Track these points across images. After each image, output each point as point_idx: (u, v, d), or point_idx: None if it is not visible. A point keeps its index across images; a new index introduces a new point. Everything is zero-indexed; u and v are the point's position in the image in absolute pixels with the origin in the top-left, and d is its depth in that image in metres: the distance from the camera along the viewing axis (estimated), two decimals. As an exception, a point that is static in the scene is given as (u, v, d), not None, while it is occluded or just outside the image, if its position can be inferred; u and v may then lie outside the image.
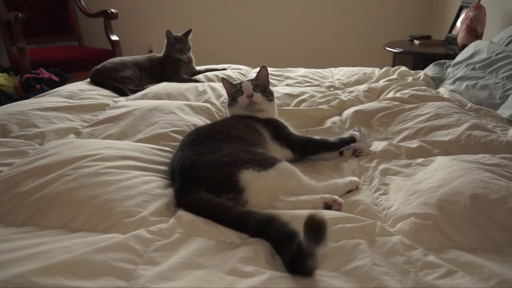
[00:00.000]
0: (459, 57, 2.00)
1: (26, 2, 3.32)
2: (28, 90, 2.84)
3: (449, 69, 1.99)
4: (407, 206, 0.88)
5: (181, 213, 0.86)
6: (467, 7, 2.62)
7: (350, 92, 1.78)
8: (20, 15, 2.86)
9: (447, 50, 2.66)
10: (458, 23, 2.71)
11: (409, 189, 0.95)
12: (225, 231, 0.81)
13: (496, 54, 1.73)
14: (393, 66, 2.84)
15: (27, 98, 2.81)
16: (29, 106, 1.43)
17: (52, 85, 2.94)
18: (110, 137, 1.26)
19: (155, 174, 1.03)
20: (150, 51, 3.84)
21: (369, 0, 3.63)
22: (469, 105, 1.55)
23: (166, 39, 2.09)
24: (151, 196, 0.91)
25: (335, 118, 1.51)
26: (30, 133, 1.25)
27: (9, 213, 0.84)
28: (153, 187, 0.95)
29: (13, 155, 1.12)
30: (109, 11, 3.26)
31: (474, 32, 2.39)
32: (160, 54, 2.13)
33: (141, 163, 1.05)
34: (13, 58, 3.17)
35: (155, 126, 1.31)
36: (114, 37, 3.30)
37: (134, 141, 1.21)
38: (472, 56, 1.88)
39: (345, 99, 1.69)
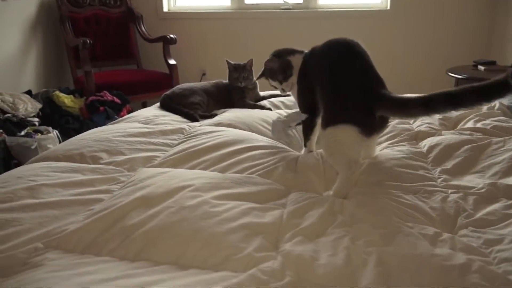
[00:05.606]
0: (538, 86, 1.90)
1: (91, 29, 3.49)
2: (93, 111, 2.96)
3: (527, 98, 1.90)
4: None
5: (288, 247, 0.85)
6: (538, 32, 2.52)
7: (422, 120, 1.74)
8: (88, 41, 3.01)
9: (515, 76, 2.55)
10: (528, 49, 2.61)
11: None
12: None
13: None
14: (455, 92, 2.76)
15: (91, 119, 2.95)
16: (113, 133, 1.48)
17: (114, 107, 3.06)
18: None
19: (250, 202, 1.03)
20: (204, 74, 3.94)
21: (429, 24, 3.57)
22: (559, 138, 1.46)
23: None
24: (252, 229, 0.91)
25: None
26: (118, 160, 1.29)
27: (120, 246, 0.86)
28: (252, 218, 0.95)
29: (106, 181, 1.15)
30: (168, 37, 3.38)
31: (549, 58, 2.29)
32: (226, 81, 2.17)
33: (234, 191, 1.06)
34: (78, 80, 3.34)
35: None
36: (172, 61, 3.41)
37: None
38: (554, 85, 1.79)
39: (419, 128, 1.64)
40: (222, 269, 0.80)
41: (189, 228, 0.88)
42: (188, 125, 1.67)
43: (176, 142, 1.47)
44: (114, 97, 3.04)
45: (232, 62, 2.12)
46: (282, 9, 3.74)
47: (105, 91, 3.03)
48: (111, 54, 3.59)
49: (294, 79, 1.43)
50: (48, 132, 2.62)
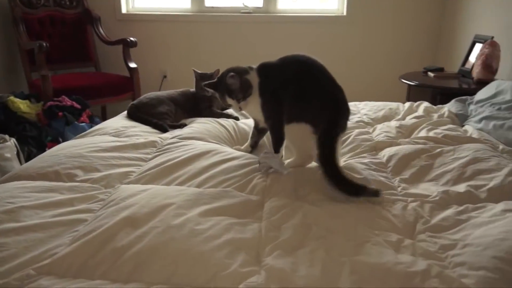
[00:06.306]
0: (481, 95, 2.10)
1: (46, 31, 3.37)
2: (51, 117, 2.87)
3: (472, 106, 2.09)
4: (476, 257, 0.95)
5: (270, 261, 0.92)
6: (480, 42, 2.75)
7: (381, 129, 1.87)
8: (45, 44, 2.91)
9: (461, 83, 2.78)
10: (471, 58, 2.84)
11: (473, 241, 1.01)
12: None
13: (520, 96, 1.83)
14: (407, 99, 2.95)
15: (50, 125, 2.86)
16: (85, 148, 1.48)
17: (73, 112, 2.99)
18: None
19: (230, 217, 1.08)
20: (165, 77, 3.92)
21: (383, 31, 3.76)
22: (501, 147, 1.63)
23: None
24: (235, 245, 0.97)
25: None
26: (94, 177, 1.30)
27: (111, 269, 0.89)
28: (234, 234, 1.01)
29: (86, 200, 1.17)
30: (128, 40, 3.34)
31: (490, 68, 2.51)
32: (193, 89, 2.19)
33: (214, 206, 1.12)
34: (33, 84, 3.22)
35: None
36: (133, 64, 3.37)
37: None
38: (495, 95, 1.99)
39: (378, 138, 1.75)
40: (212, 286, 0.85)
41: (178, 247, 0.92)
42: (159, 138, 1.69)
43: (149, 156, 1.50)
44: (74, 102, 2.97)
45: (199, 71, 2.15)
46: (242, 12, 3.80)
47: (63, 96, 2.95)
48: (67, 56, 3.49)
49: (252, 97, 1.48)
50: (5, 140, 2.52)
